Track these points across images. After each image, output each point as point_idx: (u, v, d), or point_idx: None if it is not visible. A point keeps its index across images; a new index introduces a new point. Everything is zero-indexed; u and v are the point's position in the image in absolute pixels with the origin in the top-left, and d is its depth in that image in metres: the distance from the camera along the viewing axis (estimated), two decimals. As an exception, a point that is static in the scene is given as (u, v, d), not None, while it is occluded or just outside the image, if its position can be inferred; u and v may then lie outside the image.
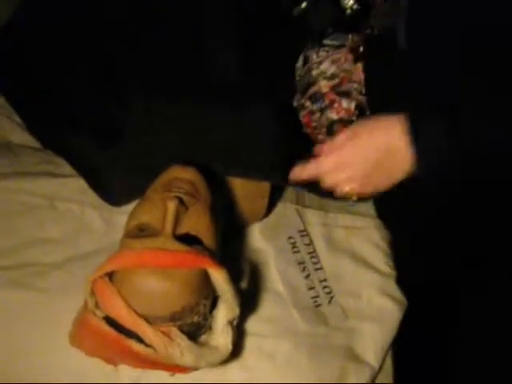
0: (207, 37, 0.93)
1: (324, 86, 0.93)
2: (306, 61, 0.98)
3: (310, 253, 0.92)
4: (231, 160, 0.85)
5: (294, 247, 0.91)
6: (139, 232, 0.70)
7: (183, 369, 0.70)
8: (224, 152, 0.85)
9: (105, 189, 0.87)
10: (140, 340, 0.66)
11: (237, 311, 0.70)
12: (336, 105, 0.92)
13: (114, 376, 0.72)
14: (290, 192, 0.98)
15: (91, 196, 0.87)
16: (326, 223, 0.96)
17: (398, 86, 0.80)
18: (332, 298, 0.88)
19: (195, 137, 0.85)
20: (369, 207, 1.01)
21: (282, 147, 0.89)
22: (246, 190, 0.87)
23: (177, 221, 0.70)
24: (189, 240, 0.69)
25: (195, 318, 0.68)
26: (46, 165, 0.92)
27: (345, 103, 0.92)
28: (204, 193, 0.75)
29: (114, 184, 0.87)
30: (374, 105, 0.88)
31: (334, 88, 0.93)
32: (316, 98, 0.95)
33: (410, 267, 0.97)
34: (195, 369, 0.71)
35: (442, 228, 0.90)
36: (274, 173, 0.85)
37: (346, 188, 0.78)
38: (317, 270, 0.90)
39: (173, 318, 0.67)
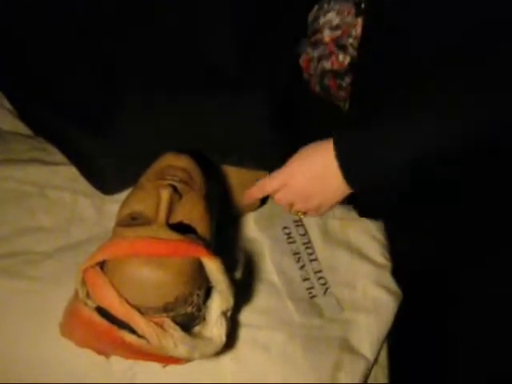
0: (207, 36, 0.93)
1: (327, 36, 0.95)
2: (320, 8, 0.99)
3: (305, 243, 0.91)
4: (228, 149, 0.85)
5: (289, 237, 0.91)
6: (132, 221, 0.69)
7: (176, 360, 0.69)
8: (221, 141, 0.85)
9: (97, 177, 0.86)
10: (132, 331, 0.65)
11: (231, 302, 0.69)
12: (333, 57, 0.94)
13: (106, 367, 0.71)
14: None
15: (83, 184, 0.86)
16: (321, 214, 0.96)
17: (385, 45, 0.80)
18: (327, 289, 0.87)
19: (192, 126, 0.84)
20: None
21: (279, 136, 0.89)
22: (242, 179, 0.86)
23: (170, 209, 0.69)
24: (182, 229, 0.68)
25: (189, 309, 0.67)
26: (36, 152, 0.91)
27: (341, 57, 0.94)
28: (198, 181, 0.74)
29: (107, 172, 0.86)
30: (361, 62, 0.88)
31: (335, 40, 0.95)
32: (317, 45, 0.97)
33: (407, 259, 0.96)
34: (188, 360, 0.70)
35: (440, 218, 0.90)
36: (271, 162, 0.84)
37: (289, 208, 0.84)
38: (312, 260, 0.90)
39: (166, 309, 0.66)
